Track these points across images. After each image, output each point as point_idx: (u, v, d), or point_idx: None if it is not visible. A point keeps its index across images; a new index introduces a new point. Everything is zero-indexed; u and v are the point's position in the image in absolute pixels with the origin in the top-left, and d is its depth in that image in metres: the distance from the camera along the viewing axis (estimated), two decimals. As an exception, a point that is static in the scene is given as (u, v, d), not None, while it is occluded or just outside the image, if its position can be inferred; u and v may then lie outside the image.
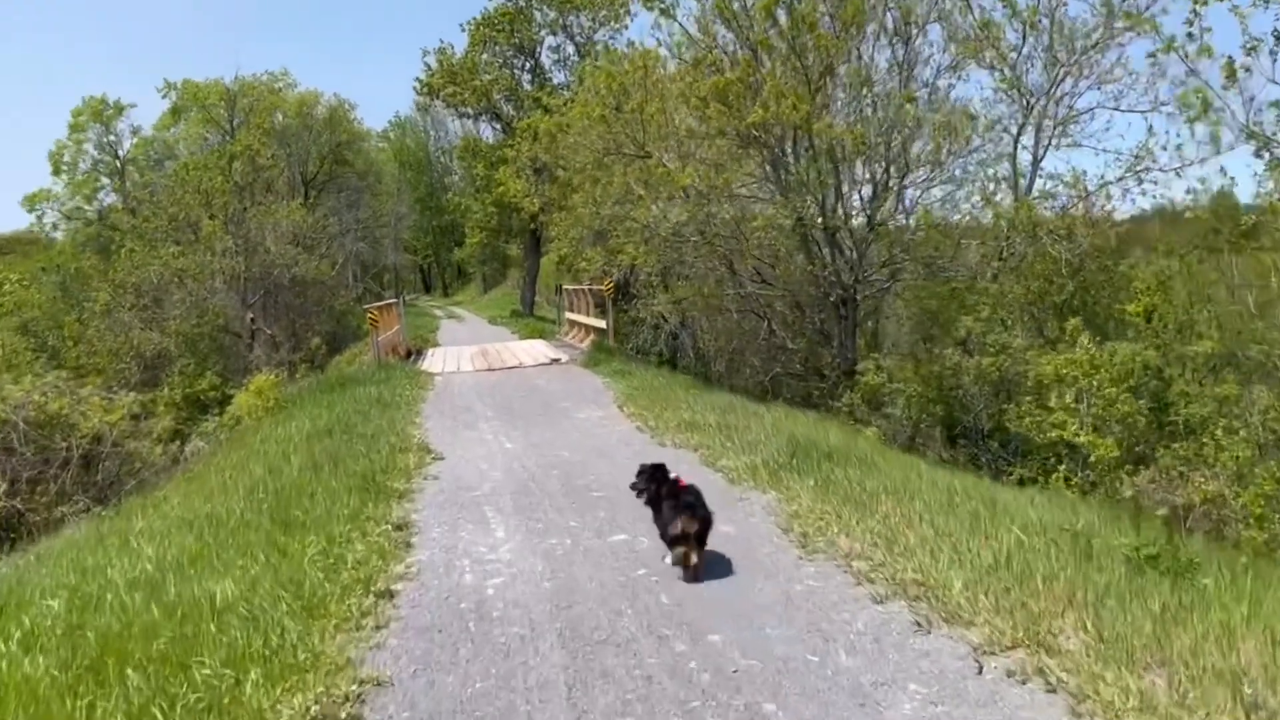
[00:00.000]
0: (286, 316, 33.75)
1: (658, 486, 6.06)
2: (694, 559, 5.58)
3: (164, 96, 43.21)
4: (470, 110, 38.90)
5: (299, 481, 8.30)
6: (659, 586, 5.50)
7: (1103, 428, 11.02)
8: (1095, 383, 10.73)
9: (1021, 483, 10.82)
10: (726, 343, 18.99)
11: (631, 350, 21.72)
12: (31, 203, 36.65)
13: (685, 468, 8.62)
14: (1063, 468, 11.24)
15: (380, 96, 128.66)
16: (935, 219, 15.96)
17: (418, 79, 37.67)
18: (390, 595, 5.51)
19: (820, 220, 15.52)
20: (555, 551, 6.32)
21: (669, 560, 5.81)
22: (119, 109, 39.57)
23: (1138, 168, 13.94)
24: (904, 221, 15.62)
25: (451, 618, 5.17)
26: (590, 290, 22.19)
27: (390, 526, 6.89)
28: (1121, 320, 14.93)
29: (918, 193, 15.91)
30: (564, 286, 27.08)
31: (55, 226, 37.38)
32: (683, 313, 21.57)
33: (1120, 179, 14.68)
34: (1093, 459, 10.37)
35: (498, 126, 39.49)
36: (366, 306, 18.97)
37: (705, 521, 5.65)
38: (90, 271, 30.57)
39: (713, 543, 6.24)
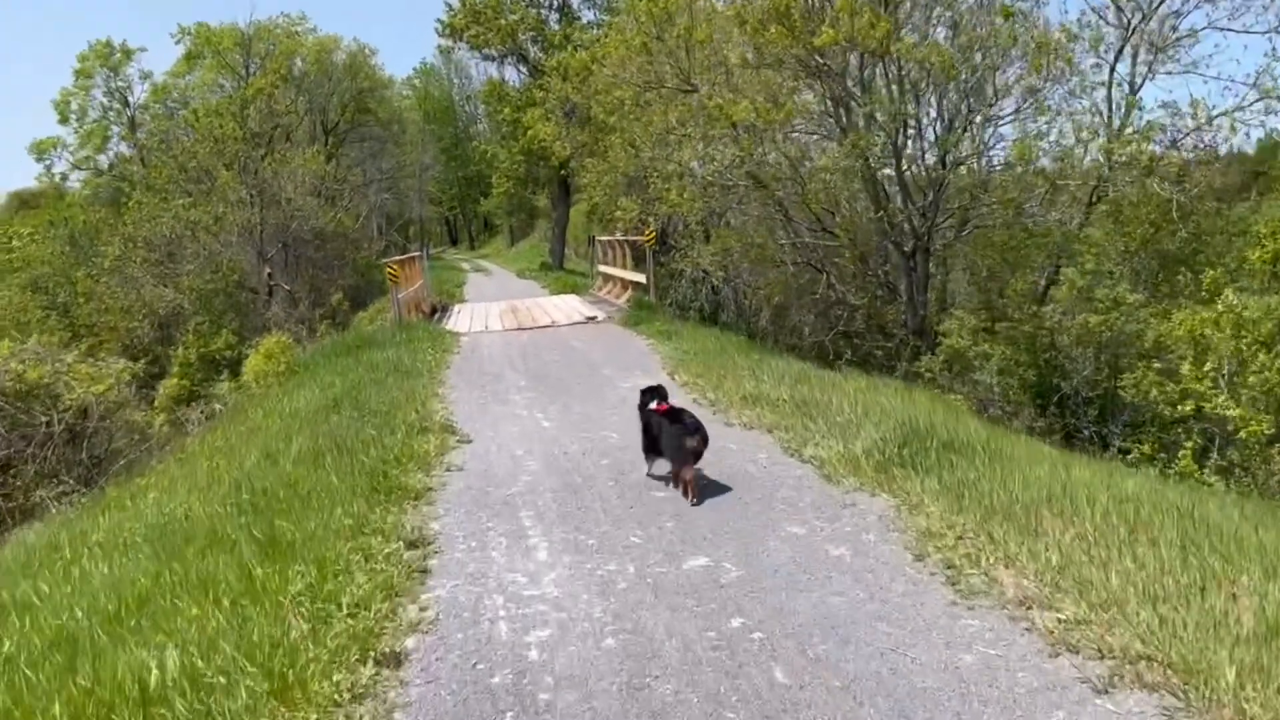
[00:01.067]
0: (307, 271, 32.44)
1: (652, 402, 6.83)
2: (690, 474, 6.19)
3: (178, 42, 41.50)
4: (495, 53, 36.89)
5: (294, 477, 6.81)
6: (766, 651, 3.95)
7: (1244, 398, 9.32)
8: (1243, 346, 9.00)
9: (1167, 468, 9.16)
10: (777, 298, 17.25)
11: (670, 306, 20.11)
12: (39, 151, 35.05)
13: (763, 456, 7.09)
14: (1190, 444, 9.57)
15: (402, 45, 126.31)
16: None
17: (439, 20, 35.75)
18: (396, 661, 4.01)
19: (892, 160, 13.75)
20: (615, 584, 4.80)
21: (652, 470, 6.71)
22: (127, 53, 37.69)
23: (1272, 93, 11.96)
24: (986, 160, 13.81)
25: (481, 702, 3.66)
26: (627, 241, 20.53)
27: (402, 544, 5.39)
28: (1238, 269, 13.16)
29: (990, 129, 14.08)
30: (597, 238, 25.43)
31: (65, 177, 36.03)
32: (726, 265, 19.93)
33: (1239, 108, 12.74)
34: (1242, 435, 8.69)
35: (524, 70, 37.53)
36: (386, 261, 17.44)
37: (707, 443, 6.36)
38: (100, 225, 29.22)
39: (826, 575, 4.72)
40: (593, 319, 17.36)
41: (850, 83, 13.80)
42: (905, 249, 14.47)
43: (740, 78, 15.77)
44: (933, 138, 14.20)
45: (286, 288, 28.23)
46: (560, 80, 25.14)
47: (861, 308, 16.05)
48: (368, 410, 9.31)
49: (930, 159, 13.90)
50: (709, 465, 6.89)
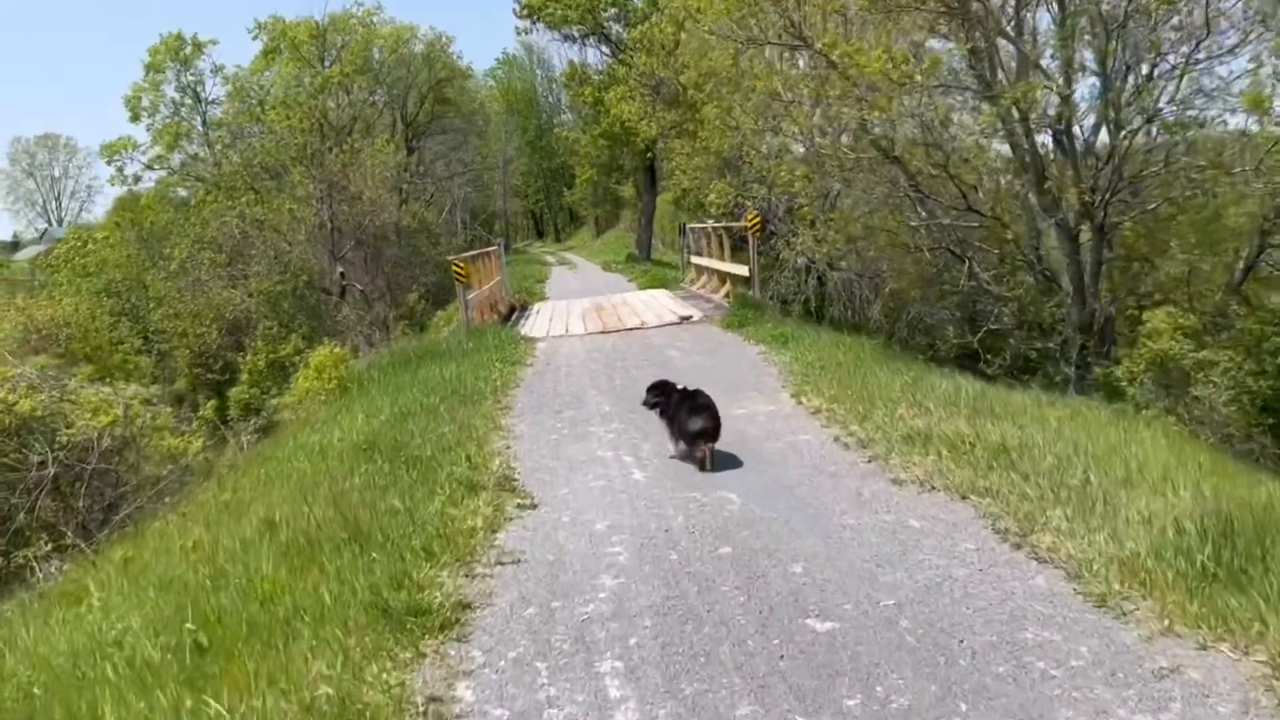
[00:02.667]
0: (386, 269, 31.01)
1: (667, 398, 6.91)
2: (708, 451, 6.44)
3: (255, 38, 40.27)
4: (575, 33, 34.83)
5: (273, 587, 4.64)
6: None
7: None
8: None
9: None
10: (891, 288, 14.58)
11: (771, 300, 17.67)
12: (110, 152, 33.92)
13: (971, 547, 4.68)
14: None
15: (481, 35, 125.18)
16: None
17: (516, -1, 33.75)
18: None
19: (1051, 119, 11.09)
20: None
21: (675, 452, 6.79)
22: (198, 46, 36.21)
23: None
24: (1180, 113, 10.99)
25: None
26: (724, 229, 18.11)
27: (402, 746, 3.16)
28: None
29: (1186, 76, 11.24)
30: (689, 226, 23.06)
31: (137, 178, 34.89)
32: (836, 254, 17.45)
33: None
34: None
35: (605, 50, 35.33)
36: (453, 258, 15.30)
37: (718, 421, 6.55)
38: (170, 226, 28.03)
39: None
40: (687, 319, 15.03)
41: (1005, 20, 11.16)
42: (1070, 228, 11.78)
43: (859, 30, 13.27)
44: (1103, 88, 11.45)
45: (360, 288, 26.62)
46: (645, 55, 22.83)
47: (1012, 300, 13.37)
48: (407, 455, 7.14)
49: (1107, 115, 11.16)
50: (889, 559, 4.56)
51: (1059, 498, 5.00)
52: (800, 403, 8.30)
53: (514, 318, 18.63)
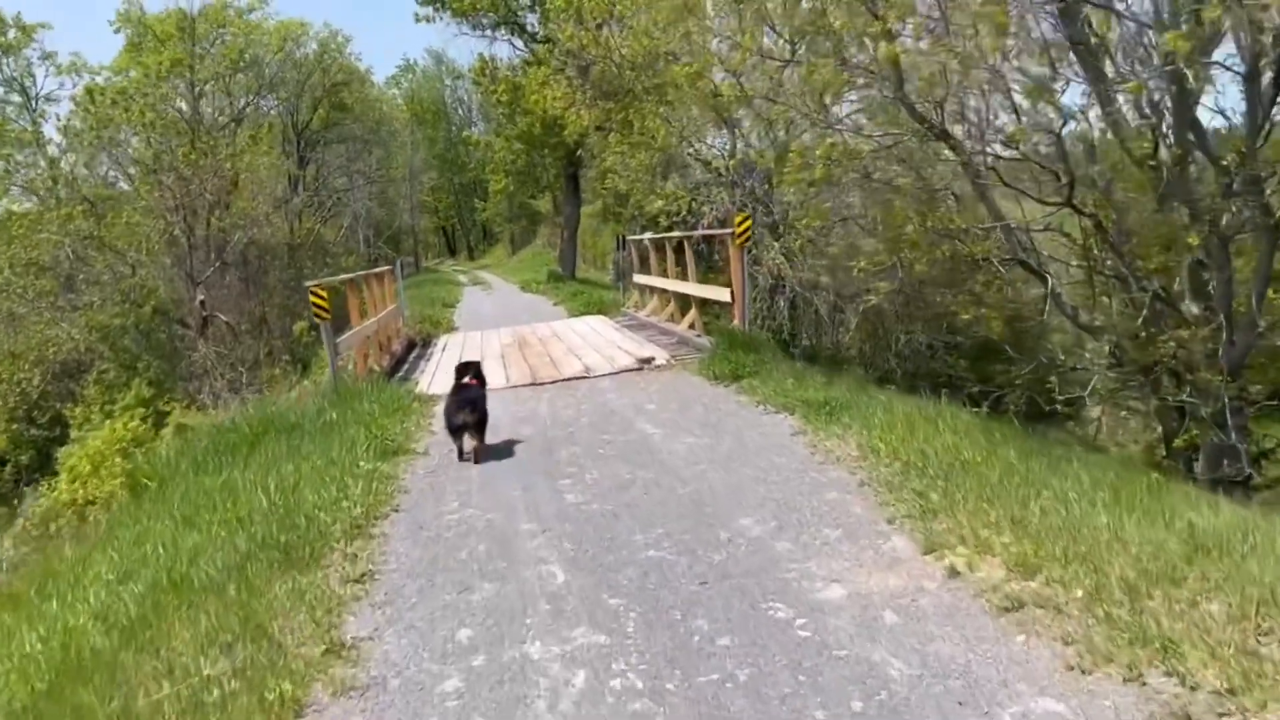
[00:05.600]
0: (276, 295, 26.40)
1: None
2: (473, 443, 6.82)
3: (117, 31, 34.91)
4: (485, 21, 30.56)
5: None
6: None
7: None
8: None
9: None
10: (988, 319, 10.53)
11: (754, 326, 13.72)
12: (-87, 155, 28.03)
13: None
14: None
15: (385, 44, 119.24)
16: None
17: (417, -16, 29.30)
18: None
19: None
20: None
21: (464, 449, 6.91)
22: (25, 30, 30.35)
23: None
24: None
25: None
26: (685, 238, 13.94)
27: None
28: None
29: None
30: (629, 238, 18.91)
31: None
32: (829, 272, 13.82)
33: None
34: None
35: (519, 45, 31.08)
36: (311, 284, 10.54)
37: (483, 414, 6.87)
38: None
39: None
40: (649, 363, 10.79)
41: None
42: (1228, 230, 7.98)
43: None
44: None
45: (224, 319, 21.73)
46: (573, 24, 18.62)
47: (1114, 327, 9.50)
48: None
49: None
50: None
51: None
52: (955, 571, 4.11)
53: (411, 357, 14.24)
